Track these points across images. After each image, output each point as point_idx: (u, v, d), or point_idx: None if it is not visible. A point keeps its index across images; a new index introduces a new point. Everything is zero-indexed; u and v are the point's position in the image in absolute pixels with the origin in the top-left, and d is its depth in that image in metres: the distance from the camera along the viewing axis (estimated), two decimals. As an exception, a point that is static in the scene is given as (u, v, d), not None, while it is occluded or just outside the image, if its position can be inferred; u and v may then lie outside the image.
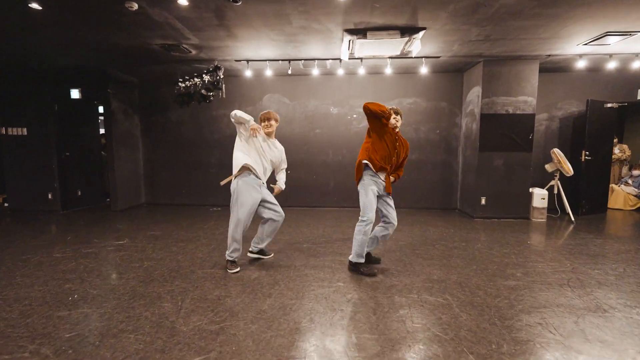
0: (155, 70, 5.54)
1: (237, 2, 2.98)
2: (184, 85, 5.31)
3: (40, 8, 3.10)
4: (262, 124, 3.07)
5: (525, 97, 4.96)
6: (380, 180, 2.84)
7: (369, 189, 2.80)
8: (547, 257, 3.35)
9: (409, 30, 3.67)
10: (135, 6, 3.05)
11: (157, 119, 6.28)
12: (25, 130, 5.55)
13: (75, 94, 5.49)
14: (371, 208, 2.78)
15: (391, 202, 2.94)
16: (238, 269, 2.96)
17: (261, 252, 3.31)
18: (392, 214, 2.90)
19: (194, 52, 4.53)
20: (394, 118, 2.80)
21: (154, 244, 3.80)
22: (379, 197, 2.90)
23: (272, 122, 3.07)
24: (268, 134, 3.09)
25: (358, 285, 2.66)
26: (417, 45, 3.98)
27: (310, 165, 6.07)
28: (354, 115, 5.92)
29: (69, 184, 5.87)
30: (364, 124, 5.91)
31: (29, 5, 3.04)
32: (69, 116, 5.80)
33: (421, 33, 3.73)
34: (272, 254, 3.39)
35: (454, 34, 3.82)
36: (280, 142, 3.30)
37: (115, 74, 5.59)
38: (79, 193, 6.08)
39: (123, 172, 5.84)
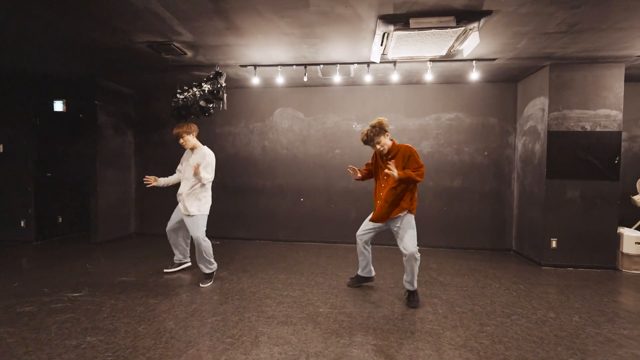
0: (151, 79, 4.79)
1: (233, -33, 2.12)
2: (182, 96, 4.51)
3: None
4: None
5: (608, 110, 3.85)
6: None
7: None
8: (702, 349, 2.13)
9: (467, 16, 2.71)
10: (97, -22, 2.24)
11: (153, 136, 5.49)
12: (0, 147, 4.83)
13: (58, 106, 4.77)
14: None
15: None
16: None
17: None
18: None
19: (189, 53, 3.73)
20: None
21: (116, 299, 2.80)
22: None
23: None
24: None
25: (415, 414, 1.55)
26: (473, 39, 3.01)
27: (328, 192, 5.05)
28: (382, 133, 4.92)
29: (48, 209, 5.05)
30: (394, 143, 4.89)
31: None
32: (52, 131, 5.08)
33: (483, 21, 2.77)
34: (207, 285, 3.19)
35: (529, 22, 2.83)
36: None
37: (105, 83, 4.87)
38: (60, 219, 5.25)
39: (109, 198, 4.98)
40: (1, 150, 4.81)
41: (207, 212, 3.28)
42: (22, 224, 4.82)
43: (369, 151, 4.95)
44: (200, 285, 3.12)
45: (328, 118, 5.04)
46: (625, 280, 3.56)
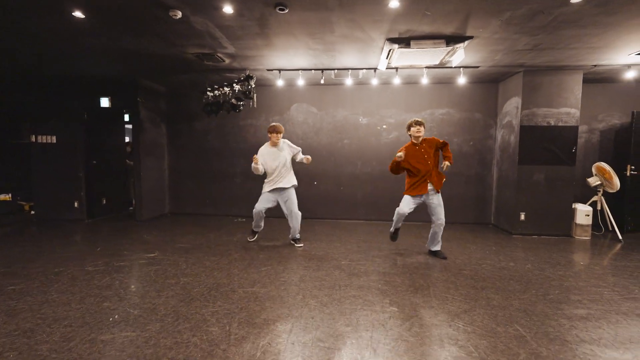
0: (184, 79, 5.51)
1: (283, 10, 2.89)
2: (212, 94, 5.24)
3: (83, 17, 3.07)
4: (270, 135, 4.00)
5: (568, 108, 4.74)
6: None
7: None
8: (609, 282, 3.09)
9: (454, 39, 3.52)
10: (179, 14, 2.99)
11: (183, 128, 6.24)
12: (54, 138, 5.55)
13: (105, 102, 5.49)
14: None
15: (435, 202, 3.63)
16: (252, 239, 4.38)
17: (294, 240, 4.26)
18: (435, 214, 3.65)
19: (227, 61, 4.47)
20: (414, 128, 3.56)
21: (185, 257, 3.67)
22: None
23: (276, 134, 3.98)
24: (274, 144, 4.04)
25: (415, 311, 2.46)
26: (460, 55, 3.83)
27: (337, 177, 5.91)
28: (384, 126, 5.77)
29: (95, 193, 5.84)
30: (394, 134, 5.75)
31: (73, 14, 3.00)
32: (97, 125, 5.80)
33: (466, 42, 3.58)
34: (302, 245, 4.19)
35: (502, 43, 3.65)
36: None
37: (145, 82, 5.58)
38: (104, 201, 6.04)
39: (149, 182, 5.77)
40: (55, 141, 5.54)
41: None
42: (76, 204, 5.61)
43: (372, 143, 5.80)
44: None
45: (338, 112, 5.84)
46: (576, 244, 4.53)
